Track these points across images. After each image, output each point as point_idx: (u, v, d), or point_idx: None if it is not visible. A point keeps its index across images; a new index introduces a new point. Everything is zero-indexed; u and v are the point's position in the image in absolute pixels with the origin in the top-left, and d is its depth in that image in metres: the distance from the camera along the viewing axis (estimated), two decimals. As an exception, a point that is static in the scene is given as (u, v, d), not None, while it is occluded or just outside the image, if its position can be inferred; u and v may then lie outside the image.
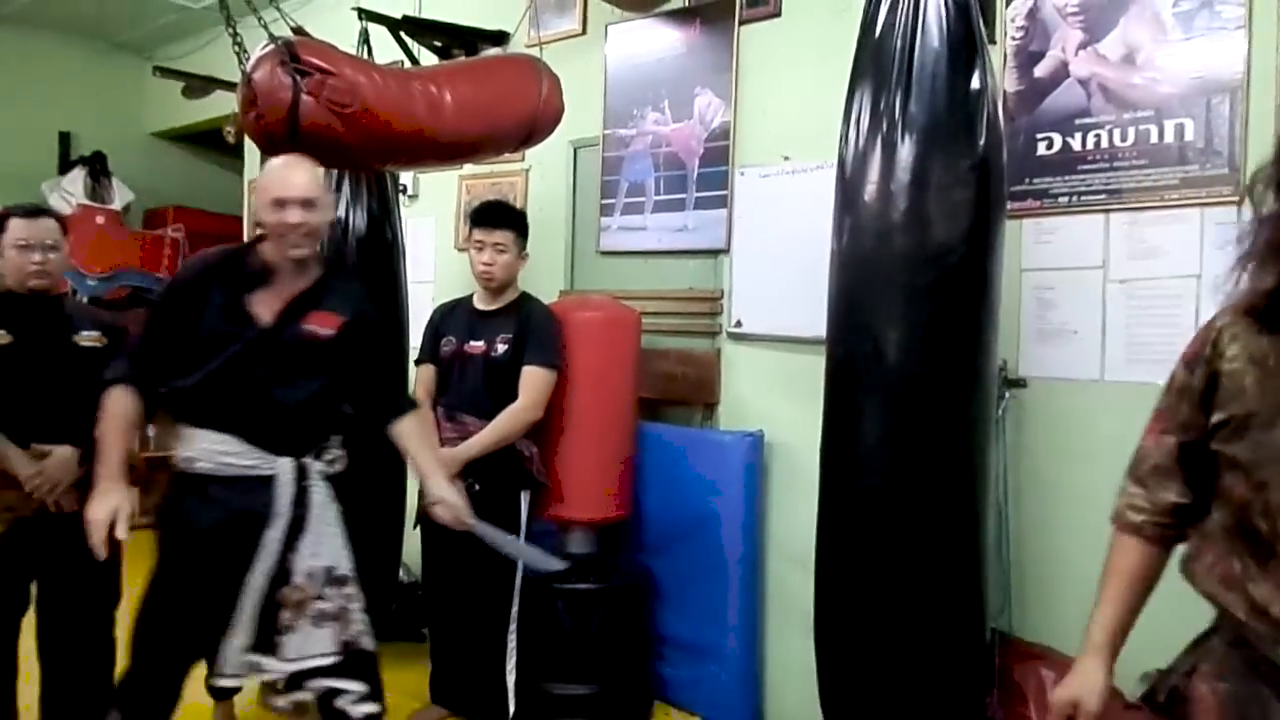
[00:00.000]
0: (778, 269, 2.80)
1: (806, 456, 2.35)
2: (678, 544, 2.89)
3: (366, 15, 3.30)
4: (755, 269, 2.88)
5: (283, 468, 1.89)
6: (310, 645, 1.90)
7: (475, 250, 2.70)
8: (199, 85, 4.75)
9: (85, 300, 4.52)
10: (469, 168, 3.64)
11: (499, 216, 2.73)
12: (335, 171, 3.22)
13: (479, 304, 2.79)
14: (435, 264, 3.91)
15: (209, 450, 1.93)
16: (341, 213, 3.18)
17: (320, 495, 1.96)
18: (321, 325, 1.97)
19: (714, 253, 3.00)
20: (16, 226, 2.29)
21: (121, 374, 1.94)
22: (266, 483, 1.89)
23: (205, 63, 4.95)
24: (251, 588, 1.87)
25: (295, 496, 1.91)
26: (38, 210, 2.42)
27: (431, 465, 2.09)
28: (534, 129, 2.60)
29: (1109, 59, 2.26)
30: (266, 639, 1.89)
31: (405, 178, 3.77)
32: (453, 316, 2.81)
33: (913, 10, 1.97)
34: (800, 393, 2.65)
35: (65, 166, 5.09)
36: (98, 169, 5.02)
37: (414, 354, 2.90)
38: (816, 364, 2.22)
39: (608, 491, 2.79)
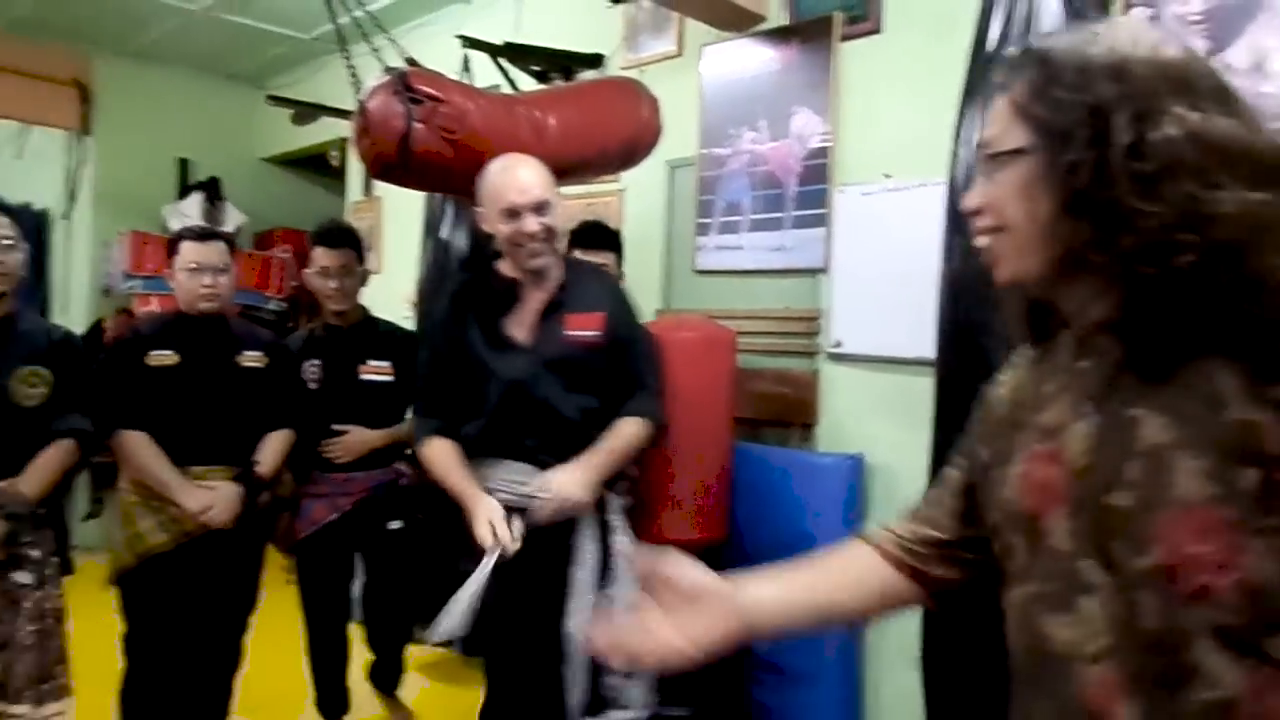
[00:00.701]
0: (880, 288, 2.75)
1: (909, 480, 2.30)
2: (776, 567, 2.85)
3: (469, 43, 3.39)
4: (856, 288, 2.84)
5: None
6: (633, 697, 1.84)
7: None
8: (307, 112, 4.94)
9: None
10: (564, 189, 3.69)
11: (598, 238, 2.76)
12: (439, 195, 3.33)
13: None
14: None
15: (506, 481, 1.90)
16: (445, 234, 3.28)
17: (620, 529, 1.87)
18: (584, 328, 1.91)
19: (812, 272, 2.97)
20: (188, 250, 2.37)
21: (433, 429, 1.97)
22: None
23: (312, 91, 5.16)
24: (572, 638, 1.82)
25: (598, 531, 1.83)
26: (209, 233, 2.50)
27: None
28: (635, 150, 2.62)
29: (1236, 68, 2.16)
30: (597, 696, 1.82)
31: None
32: None
33: (1025, 26, 1.92)
34: (903, 415, 2.59)
35: (184, 191, 5.37)
36: (213, 193, 5.27)
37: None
38: (920, 385, 2.17)
39: (703, 513, 2.77)
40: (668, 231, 3.45)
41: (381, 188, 4.81)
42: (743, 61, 3.17)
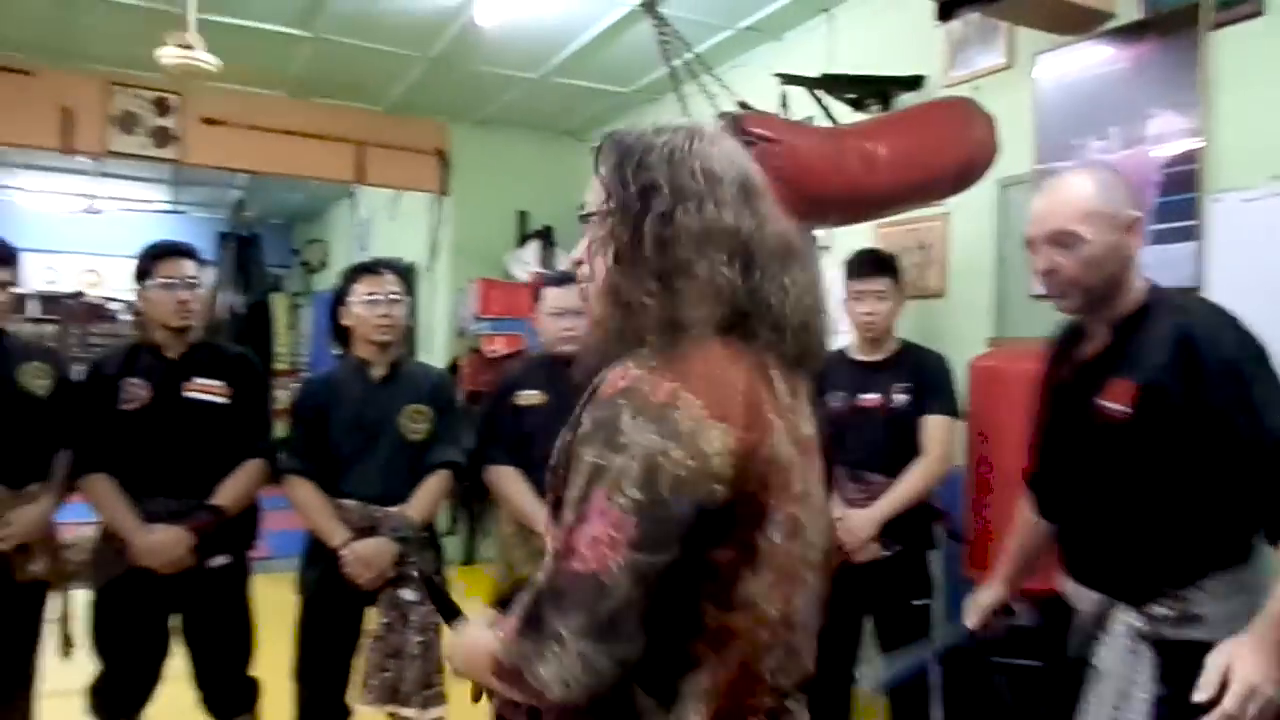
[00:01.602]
0: (1271, 309, 2.37)
1: None
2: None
3: (785, 79, 3.44)
4: (1239, 307, 2.47)
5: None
6: None
7: (854, 301, 2.65)
8: (628, 160, 5.29)
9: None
10: (886, 217, 3.62)
11: (876, 265, 2.67)
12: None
13: (860, 355, 2.70)
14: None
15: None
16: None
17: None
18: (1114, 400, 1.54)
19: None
20: (550, 295, 2.56)
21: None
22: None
23: (631, 139, 5.52)
24: None
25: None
26: (567, 278, 2.60)
27: None
28: (970, 173, 2.51)
29: None
30: None
31: (821, 230, 3.85)
32: (831, 371, 2.72)
33: None
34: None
35: (523, 240, 5.96)
36: (547, 240, 5.80)
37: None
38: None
39: (1048, 558, 2.54)
40: (998, 255, 3.24)
41: (696, 226, 5.01)
42: (1085, 66, 2.91)
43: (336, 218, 9.43)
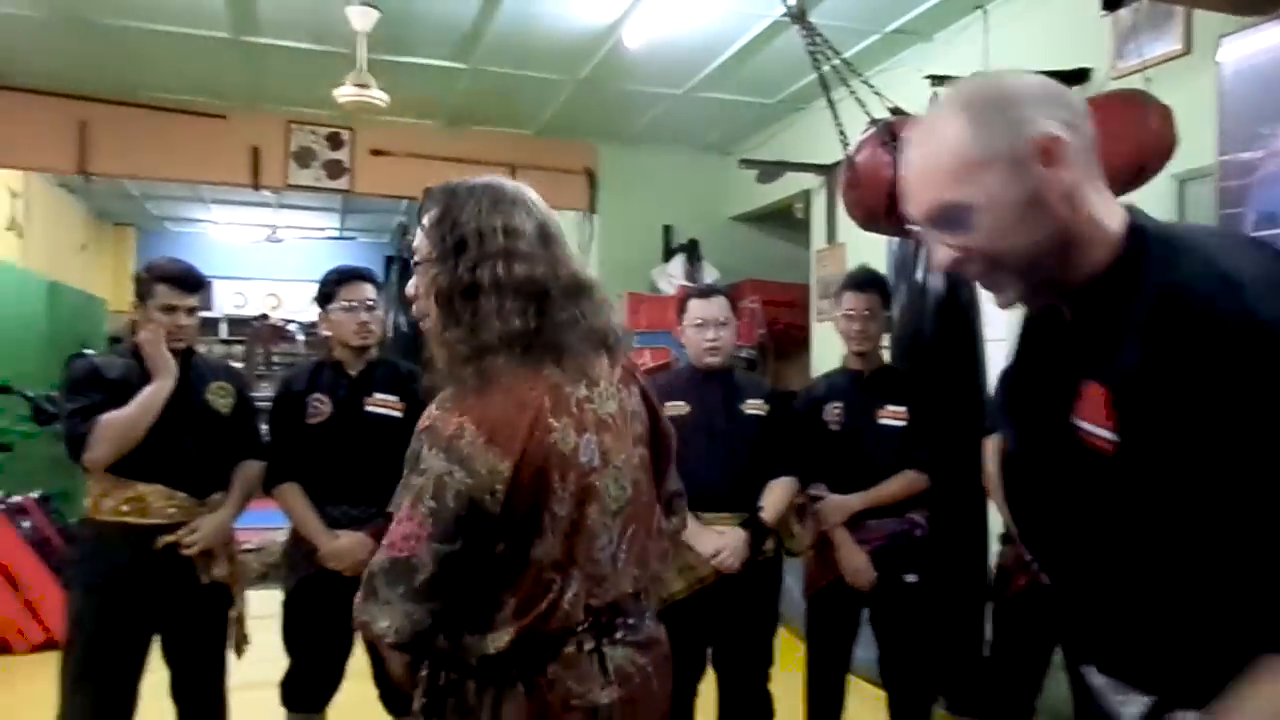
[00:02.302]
0: None
1: None
2: None
3: (937, 80, 3.35)
4: None
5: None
6: None
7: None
8: (773, 170, 5.28)
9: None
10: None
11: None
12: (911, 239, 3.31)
13: None
14: (1008, 321, 3.75)
15: None
16: (919, 276, 3.24)
17: None
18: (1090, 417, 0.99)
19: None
20: (695, 306, 2.59)
21: None
22: None
23: (775, 150, 5.51)
24: None
25: None
26: (711, 290, 2.71)
27: None
28: (1144, 168, 2.36)
29: None
30: None
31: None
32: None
33: None
34: None
35: (668, 254, 6.04)
36: (692, 254, 5.85)
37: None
38: None
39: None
40: (1178, 254, 3.03)
41: (845, 235, 4.93)
42: (1276, 47, 2.68)
43: (489, 238, 9.83)
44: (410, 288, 1.29)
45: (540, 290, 1.21)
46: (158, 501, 2.41)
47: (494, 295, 1.19)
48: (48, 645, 4.06)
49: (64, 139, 5.17)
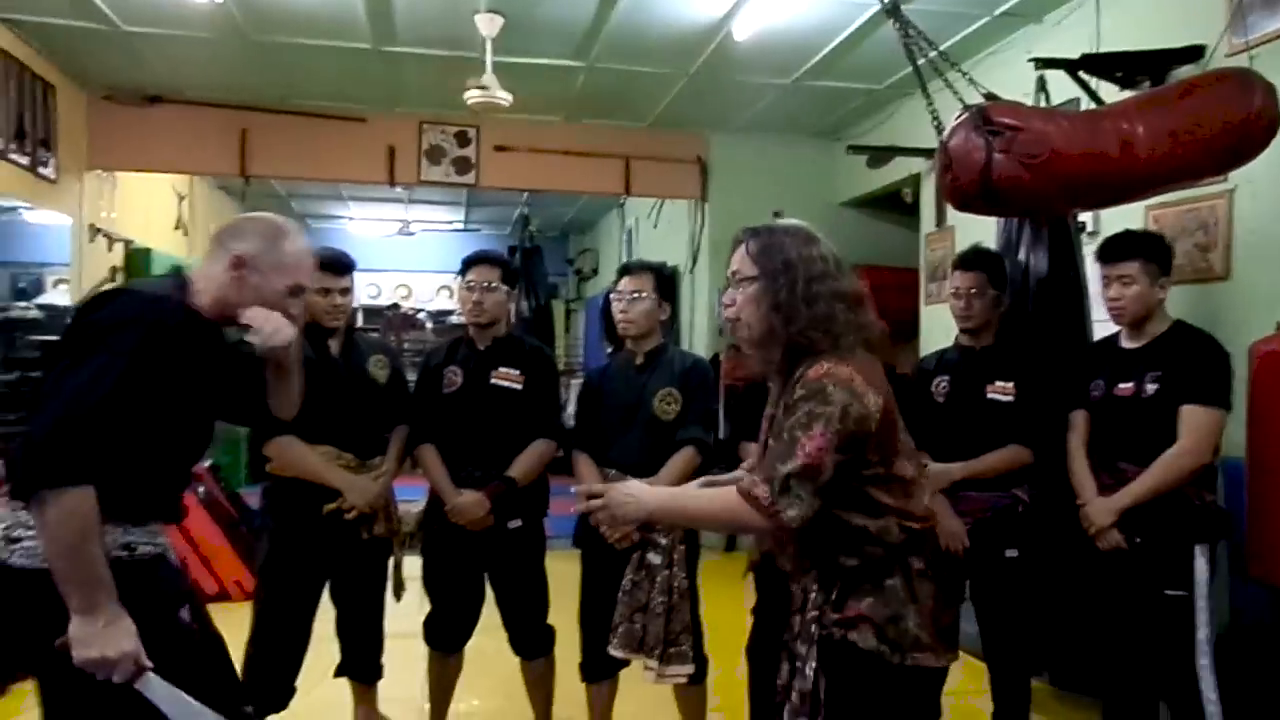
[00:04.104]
0: None
1: None
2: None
3: (1042, 63, 3.38)
4: None
5: None
6: None
7: (1104, 286, 2.58)
8: (882, 155, 5.33)
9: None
10: (1154, 197, 3.43)
11: (1121, 248, 2.55)
12: (1015, 219, 3.37)
13: (1125, 342, 2.62)
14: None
15: None
16: (1021, 256, 3.30)
17: None
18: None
19: None
20: None
21: None
22: None
23: (885, 135, 5.55)
24: None
25: None
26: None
27: None
28: (1245, 147, 2.37)
29: None
30: None
31: (1085, 215, 3.71)
32: (1103, 358, 2.69)
33: None
34: None
35: (777, 240, 6.15)
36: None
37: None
38: None
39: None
40: (1294, 231, 2.99)
41: (954, 218, 4.96)
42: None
43: (604, 228, 10.17)
44: (726, 298, 1.69)
45: (852, 298, 1.60)
46: (329, 460, 2.76)
47: (826, 302, 1.57)
48: (221, 596, 4.60)
49: (227, 145, 5.74)
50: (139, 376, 1.53)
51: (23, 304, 5.54)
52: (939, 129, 2.47)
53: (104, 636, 1.45)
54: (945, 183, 2.42)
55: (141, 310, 1.59)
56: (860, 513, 1.56)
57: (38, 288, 5.61)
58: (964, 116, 2.33)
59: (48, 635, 1.47)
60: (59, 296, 5.47)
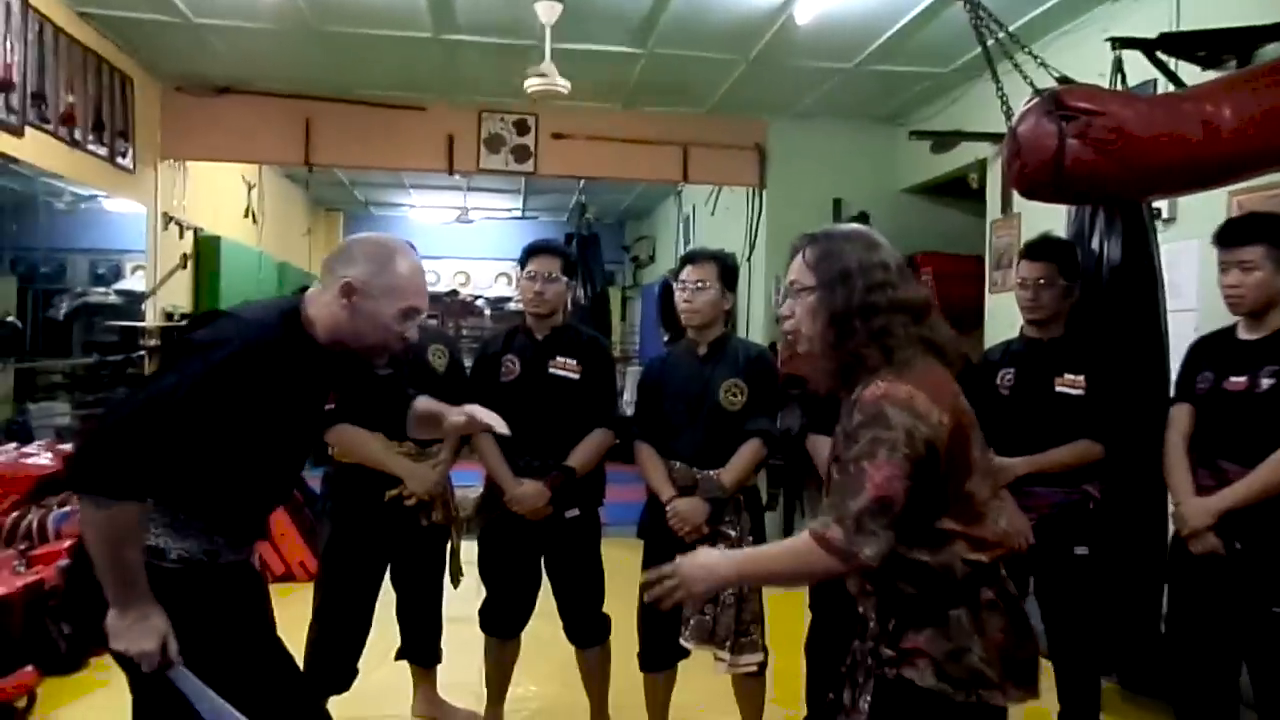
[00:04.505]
0: None
1: None
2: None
3: (1119, 43, 3.25)
4: None
5: None
6: None
7: (1221, 273, 2.44)
8: (947, 141, 5.20)
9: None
10: (1239, 183, 3.28)
11: (1240, 232, 2.41)
12: (1087, 207, 3.25)
13: (1243, 333, 2.48)
14: (1198, 291, 3.59)
15: None
16: (1095, 244, 3.19)
17: None
18: None
19: None
20: None
21: None
22: None
23: (950, 119, 5.41)
24: None
25: None
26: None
27: None
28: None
29: None
30: None
31: (1160, 201, 3.57)
32: (1214, 350, 2.54)
33: None
34: None
35: (837, 228, 6.06)
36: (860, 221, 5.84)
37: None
38: None
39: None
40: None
41: (1021, 204, 4.82)
42: None
43: (661, 216, 10.13)
44: (785, 309, 1.60)
45: (915, 308, 1.51)
46: (390, 447, 2.80)
47: (884, 313, 1.48)
48: (286, 577, 4.72)
49: (293, 135, 5.85)
50: (222, 393, 1.56)
51: (101, 289, 5.76)
52: (1008, 114, 2.39)
53: (131, 633, 1.55)
54: (1013, 170, 2.35)
55: (239, 331, 1.64)
56: (921, 545, 1.45)
57: (116, 274, 5.81)
58: (1035, 101, 2.26)
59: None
60: (136, 282, 5.66)
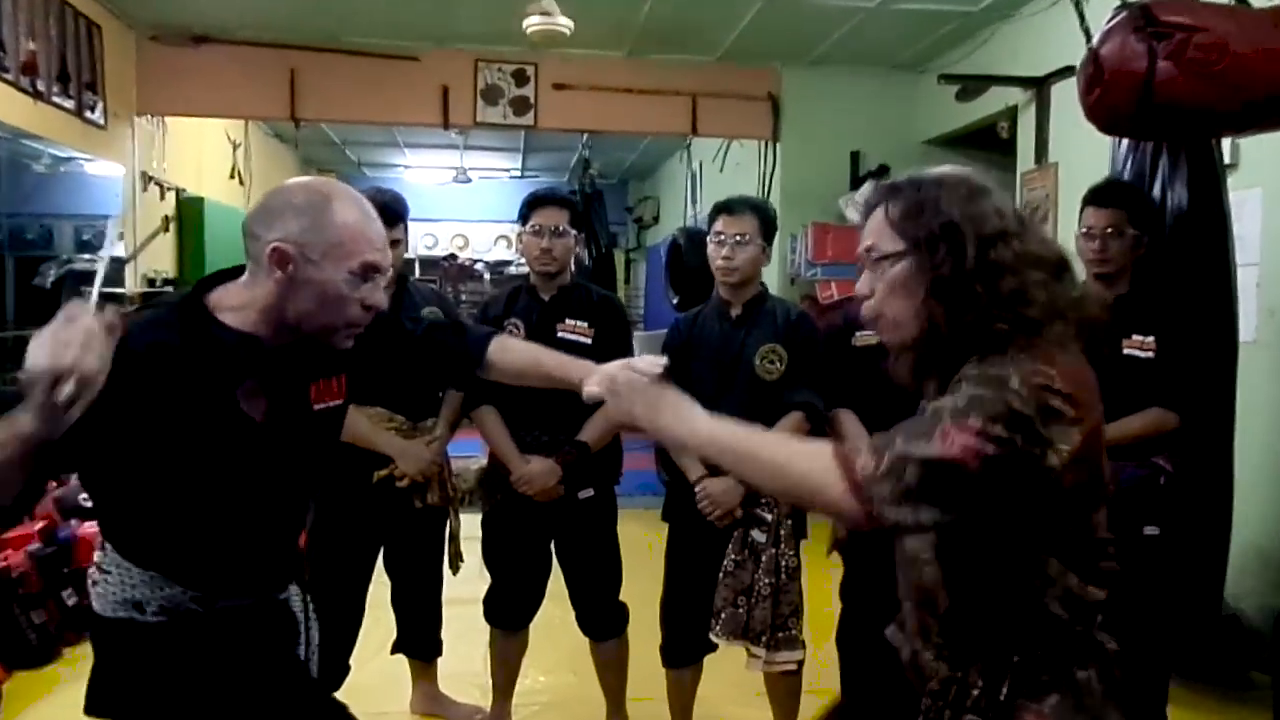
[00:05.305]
0: None
1: None
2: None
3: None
4: None
5: None
6: None
7: None
8: (975, 87, 4.87)
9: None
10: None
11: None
12: (1136, 154, 2.94)
13: None
14: (1262, 244, 3.29)
15: None
16: (1158, 191, 2.88)
17: None
18: None
19: None
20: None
21: None
22: None
23: (977, 64, 5.07)
24: None
25: None
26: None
27: None
28: None
29: None
30: None
31: (1225, 144, 3.25)
32: None
33: None
34: None
35: (855, 182, 5.75)
36: (882, 180, 5.54)
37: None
38: None
39: None
40: None
41: (1057, 153, 4.50)
42: None
43: (666, 174, 9.78)
44: (862, 286, 1.22)
45: (1049, 264, 1.15)
46: (379, 423, 2.53)
47: (1012, 272, 1.12)
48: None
49: (276, 87, 5.50)
50: (104, 417, 1.18)
51: (88, 256, 5.46)
52: (1087, 34, 2.07)
53: None
54: (1091, 100, 2.04)
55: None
56: (1046, 588, 1.13)
57: (102, 240, 5.52)
58: (1121, 16, 1.94)
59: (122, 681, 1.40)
60: (120, 249, 5.36)
